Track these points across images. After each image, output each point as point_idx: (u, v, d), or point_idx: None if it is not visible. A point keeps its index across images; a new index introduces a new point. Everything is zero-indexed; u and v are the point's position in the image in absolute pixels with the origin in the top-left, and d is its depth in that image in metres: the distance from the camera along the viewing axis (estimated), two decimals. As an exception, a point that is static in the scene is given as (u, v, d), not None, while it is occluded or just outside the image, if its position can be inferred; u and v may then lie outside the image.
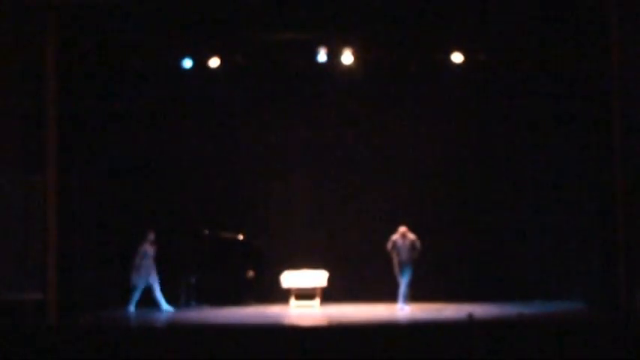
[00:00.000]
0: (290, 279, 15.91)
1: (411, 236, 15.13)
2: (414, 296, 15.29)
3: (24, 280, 13.54)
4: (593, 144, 14.62)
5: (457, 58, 16.31)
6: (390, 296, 15.34)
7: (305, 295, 15.98)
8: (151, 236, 15.82)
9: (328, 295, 16.16)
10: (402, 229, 15.17)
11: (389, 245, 15.17)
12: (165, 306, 15.79)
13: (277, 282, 16.08)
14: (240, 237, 16.97)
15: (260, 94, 17.45)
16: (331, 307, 15.57)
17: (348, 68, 16.59)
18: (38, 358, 11.46)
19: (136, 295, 15.74)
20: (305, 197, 17.49)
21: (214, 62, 16.52)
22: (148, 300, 16.31)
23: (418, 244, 15.08)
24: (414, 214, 16.67)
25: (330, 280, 16.04)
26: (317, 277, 15.93)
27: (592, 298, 14.62)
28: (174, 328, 13.50)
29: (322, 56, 16.35)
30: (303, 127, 17.63)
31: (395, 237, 15.18)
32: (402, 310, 14.95)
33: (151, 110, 17.32)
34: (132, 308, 15.64)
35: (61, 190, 14.11)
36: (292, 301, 15.89)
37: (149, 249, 15.74)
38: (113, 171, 16.70)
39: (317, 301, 15.90)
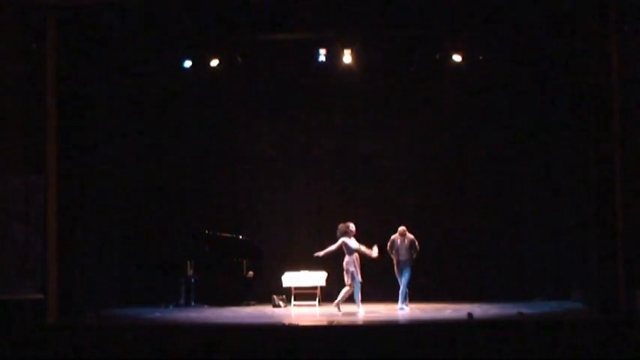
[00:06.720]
0: (290, 279, 15.92)
1: (410, 236, 15.13)
2: (413, 296, 15.29)
3: (24, 280, 13.52)
4: (593, 143, 14.60)
5: (457, 58, 16.31)
6: (390, 296, 15.33)
7: (305, 295, 15.97)
8: (352, 228, 14.77)
9: (328, 295, 16.15)
10: (402, 229, 15.18)
11: (389, 245, 15.18)
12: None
13: (277, 282, 16.08)
14: (240, 237, 16.95)
15: (260, 94, 17.46)
16: (331, 307, 15.54)
17: (348, 68, 16.58)
18: (38, 358, 11.47)
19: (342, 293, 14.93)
20: (305, 197, 17.49)
21: (214, 62, 16.51)
22: (148, 299, 16.34)
23: (416, 244, 15.08)
24: (414, 214, 16.70)
25: (329, 280, 16.03)
26: (317, 277, 15.93)
27: (592, 298, 14.61)
28: (174, 328, 13.48)
29: (322, 57, 16.33)
30: (303, 127, 17.63)
31: (394, 237, 15.18)
32: (402, 310, 14.94)
33: (151, 110, 17.34)
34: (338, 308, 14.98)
35: (61, 190, 14.09)
36: (292, 300, 15.88)
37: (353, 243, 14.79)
38: (113, 171, 16.70)
39: (317, 301, 15.90)
